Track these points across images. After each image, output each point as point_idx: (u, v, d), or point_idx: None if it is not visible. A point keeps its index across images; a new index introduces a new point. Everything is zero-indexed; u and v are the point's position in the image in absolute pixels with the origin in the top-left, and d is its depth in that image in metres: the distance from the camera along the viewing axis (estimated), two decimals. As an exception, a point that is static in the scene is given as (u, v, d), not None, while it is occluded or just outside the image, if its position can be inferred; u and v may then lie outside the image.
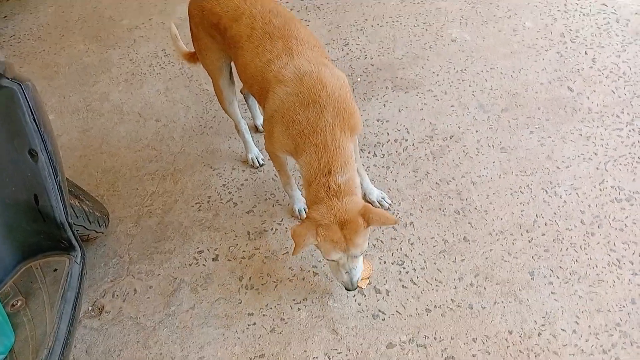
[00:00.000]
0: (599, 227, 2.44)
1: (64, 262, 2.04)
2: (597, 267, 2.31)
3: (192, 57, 2.77)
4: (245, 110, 3.12)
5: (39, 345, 1.77)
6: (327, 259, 2.04)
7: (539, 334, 2.14)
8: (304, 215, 2.62)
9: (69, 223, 2.03)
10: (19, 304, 1.89)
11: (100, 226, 2.51)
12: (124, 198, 2.90)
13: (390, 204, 2.61)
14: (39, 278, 1.98)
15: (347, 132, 2.00)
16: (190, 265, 2.54)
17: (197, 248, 2.61)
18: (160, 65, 3.77)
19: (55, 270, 2.01)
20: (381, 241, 2.51)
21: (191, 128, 3.26)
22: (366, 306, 2.30)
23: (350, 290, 2.13)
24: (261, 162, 2.93)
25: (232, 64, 2.51)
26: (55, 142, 2.05)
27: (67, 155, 3.16)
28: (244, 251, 2.56)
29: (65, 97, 3.60)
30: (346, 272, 2.06)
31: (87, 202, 2.45)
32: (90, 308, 2.42)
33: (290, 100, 1.99)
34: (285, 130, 2.02)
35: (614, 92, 3.01)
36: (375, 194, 2.61)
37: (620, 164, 2.66)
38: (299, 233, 1.91)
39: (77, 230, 2.12)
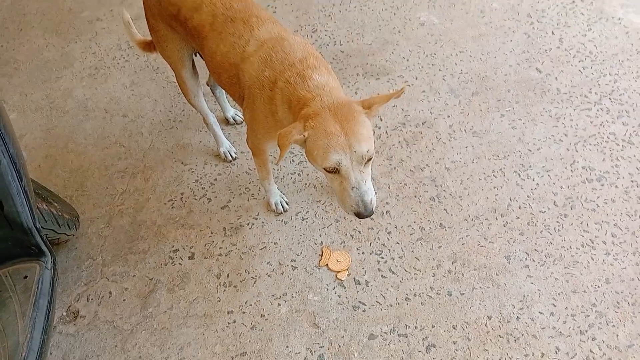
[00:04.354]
0: (571, 208, 2.48)
1: (34, 268, 1.98)
2: (571, 248, 2.35)
3: (148, 46, 2.66)
4: (214, 102, 3.06)
5: (11, 357, 1.71)
6: (325, 168, 1.65)
7: (518, 318, 2.17)
8: (281, 209, 2.59)
9: (36, 228, 1.95)
10: (-12, 315, 1.82)
11: (70, 229, 2.44)
12: (94, 198, 2.82)
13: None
14: (9, 286, 1.92)
15: (323, 67, 1.85)
16: (165, 264, 2.50)
17: (172, 247, 2.56)
18: (124, 58, 3.67)
19: (26, 277, 1.94)
20: (359, 231, 2.50)
21: (160, 122, 3.18)
22: (346, 298, 2.30)
23: (363, 217, 1.70)
24: (234, 155, 2.88)
25: (194, 55, 2.45)
26: (18, 144, 1.97)
27: (32, 155, 3.06)
28: (220, 248, 2.53)
29: (27, 95, 3.48)
30: (353, 188, 1.65)
31: (56, 205, 2.37)
32: (64, 313, 2.37)
33: (255, 67, 1.91)
34: (260, 98, 1.92)
35: (581, 72, 3.04)
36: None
37: (590, 144, 2.70)
38: (284, 133, 1.62)
39: (46, 235, 2.06)
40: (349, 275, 2.37)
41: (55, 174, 2.97)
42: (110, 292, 2.43)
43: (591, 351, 2.06)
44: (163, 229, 2.64)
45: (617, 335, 2.09)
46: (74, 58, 3.72)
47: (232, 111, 3.05)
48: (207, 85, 2.94)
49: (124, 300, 2.39)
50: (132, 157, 3.01)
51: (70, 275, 2.50)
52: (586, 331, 2.11)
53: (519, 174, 2.62)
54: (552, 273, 2.28)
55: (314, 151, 1.62)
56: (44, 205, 2.24)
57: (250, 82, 1.96)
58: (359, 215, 1.68)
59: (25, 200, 1.92)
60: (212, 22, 2.06)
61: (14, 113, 3.35)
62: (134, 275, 2.48)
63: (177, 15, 2.16)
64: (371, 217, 1.78)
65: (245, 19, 2.02)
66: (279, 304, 2.31)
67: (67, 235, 2.46)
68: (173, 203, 2.75)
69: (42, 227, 2.03)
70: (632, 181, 2.52)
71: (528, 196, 2.54)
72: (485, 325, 2.17)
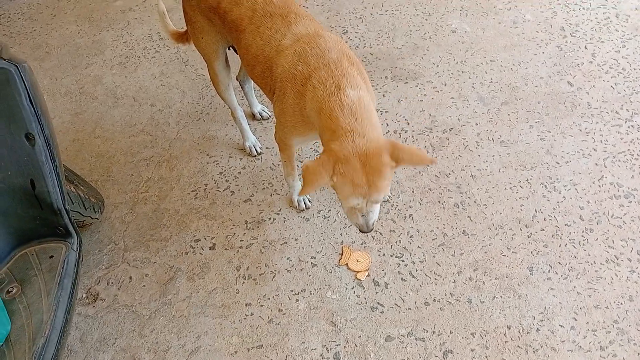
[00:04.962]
0: (597, 223, 2.45)
1: (60, 249, 2.00)
2: (595, 263, 2.32)
3: (180, 37, 2.69)
4: (242, 97, 3.08)
5: (35, 334, 1.73)
6: (344, 204, 1.83)
7: (537, 330, 2.14)
8: (303, 206, 2.60)
9: (65, 209, 1.98)
10: (14, 290, 1.84)
11: (95, 212, 2.46)
12: (119, 184, 2.85)
13: (389, 196, 2.60)
14: (35, 265, 1.94)
15: (356, 72, 1.84)
16: (186, 253, 2.51)
17: (194, 236, 2.57)
18: (154, 48, 3.70)
19: (52, 257, 1.97)
20: (380, 233, 2.49)
21: (187, 114, 3.20)
22: (365, 298, 2.29)
23: (364, 232, 1.93)
24: (259, 150, 2.89)
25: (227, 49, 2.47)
26: (52, 126, 2.00)
27: (60, 139, 3.10)
28: (241, 240, 2.53)
29: (57, 79, 3.52)
30: (362, 215, 1.85)
31: (82, 188, 2.40)
32: (84, 295, 2.39)
33: (289, 59, 1.92)
34: (291, 92, 1.90)
35: (613, 88, 3.01)
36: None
37: (619, 160, 2.67)
38: (312, 170, 1.66)
39: (72, 217, 2.08)
40: (368, 276, 2.36)
41: (82, 158, 3.00)
42: (130, 277, 2.44)
43: (611, 368, 2.03)
44: (185, 218, 2.66)
45: (638, 353, 2.06)
46: (105, 46, 3.77)
47: (260, 107, 3.06)
48: (237, 79, 2.96)
49: (144, 286, 2.41)
50: (158, 146, 3.03)
51: (92, 258, 2.52)
52: (607, 347, 2.08)
53: (545, 186, 2.60)
54: (574, 287, 2.25)
55: (338, 192, 1.76)
56: (72, 188, 2.27)
57: (283, 75, 1.96)
58: (361, 231, 1.91)
59: (56, 181, 1.94)
60: (252, 16, 2.07)
61: (44, 96, 3.38)
62: (154, 262, 2.49)
63: (217, 8, 2.18)
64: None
65: (284, 15, 2.03)
66: (297, 300, 2.31)
67: (92, 218, 2.48)
68: (196, 193, 2.76)
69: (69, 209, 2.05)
70: (660, 200, 2.49)
71: (554, 209, 2.51)
72: (505, 334, 2.14)
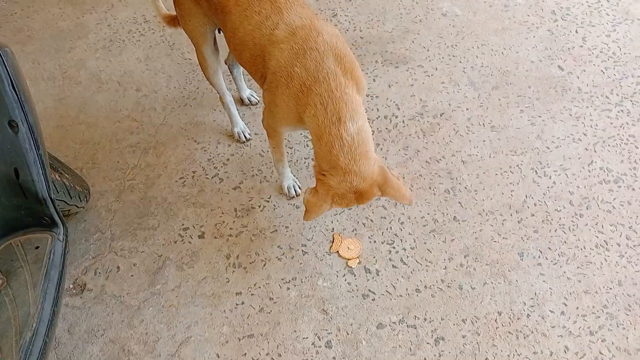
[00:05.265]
0: (587, 208, 2.45)
1: (46, 239, 1.95)
2: (585, 248, 2.32)
3: (172, 20, 2.63)
4: (230, 82, 3.02)
5: (22, 327, 1.70)
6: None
7: (528, 316, 2.15)
8: (293, 193, 2.57)
9: (51, 199, 1.93)
10: (-1, 282, 1.80)
11: (81, 201, 2.41)
12: (104, 171, 2.79)
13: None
14: (20, 256, 1.89)
15: (352, 84, 1.88)
16: (175, 242, 2.48)
17: (182, 225, 2.54)
18: (139, 32, 3.62)
19: (37, 247, 1.92)
20: (371, 220, 2.48)
21: (173, 99, 3.14)
22: (356, 286, 2.28)
23: None
24: (247, 136, 2.84)
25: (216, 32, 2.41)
26: (36, 113, 1.94)
27: (43, 125, 2.93)
28: (230, 228, 2.50)
29: (40, 64, 3.43)
30: None
31: (67, 176, 2.34)
32: (71, 286, 2.35)
33: (286, 56, 1.88)
34: (286, 91, 1.91)
35: (603, 72, 3.00)
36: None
37: (609, 145, 2.67)
38: (313, 204, 1.90)
39: (57, 206, 2.03)
40: (359, 263, 2.35)
41: (66, 144, 2.94)
42: (118, 267, 2.41)
43: (600, 352, 2.04)
44: (173, 206, 2.62)
45: (627, 338, 2.08)
46: (88, 29, 3.67)
47: (248, 92, 3.01)
48: (226, 63, 2.90)
49: (132, 275, 2.37)
50: (144, 132, 2.97)
51: (78, 248, 2.48)
52: (596, 332, 2.09)
53: (535, 171, 2.59)
54: (564, 272, 2.26)
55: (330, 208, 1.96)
56: (56, 176, 2.21)
57: (277, 69, 1.92)
58: None
59: (41, 169, 1.89)
60: None
61: (26, 81, 3.30)
62: (142, 251, 2.45)
63: None
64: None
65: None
66: (288, 288, 2.29)
67: (78, 207, 2.44)
68: (184, 181, 2.72)
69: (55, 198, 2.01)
70: (650, 185, 2.50)
71: (544, 194, 2.51)
72: (495, 320, 2.15)
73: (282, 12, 1.95)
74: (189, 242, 2.47)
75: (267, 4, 1.98)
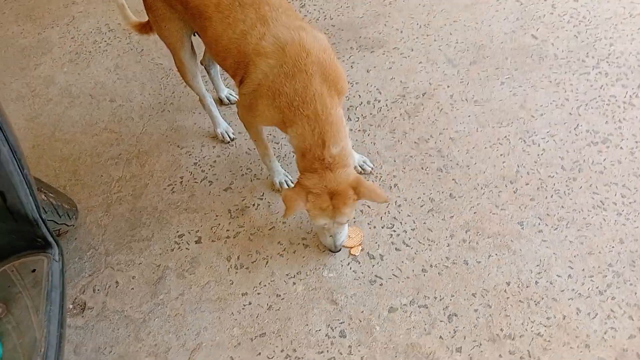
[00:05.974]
0: (579, 171, 2.47)
1: (41, 261, 1.88)
2: (582, 211, 2.34)
3: (143, 28, 2.56)
4: (207, 82, 2.96)
5: (30, 353, 1.64)
6: (314, 223, 2.12)
7: (536, 282, 2.16)
8: (286, 187, 2.53)
9: (42, 219, 1.86)
10: (-1, 311, 1.73)
11: (70, 219, 2.34)
12: (89, 187, 2.71)
13: (372, 167, 2.56)
14: (17, 282, 1.82)
15: (335, 97, 1.94)
16: (172, 250, 2.42)
17: (177, 232, 2.48)
18: (105, 41, 3.53)
19: (34, 270, 1.85)
20: (368, 206, 2.46)
21: (150, 106, 3.07)
22: (362, 273, 2.26)
23: (333, 252, 2.27)
24: (232, 136, 2.79)
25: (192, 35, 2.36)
26: (16, 133, 1.86)
27: None
28: (227, 230, 2.46)
29: (6, 84, 3.32)
30: (330, 236, 2.16)
31: (52, 195, 2.26)
32: (71, 306, 2.27)
33: (275, 73, 1.89)
34: (271, 103, 1.94)
35: (576, 37, 3.03)
36: (356, 158, 2.55)
37: (591, 107, 2.70)
38: (289, 197, 1.97)
39: (49, 226, 1.96)
40: (362, 250, 2.33)
41: (45, 163, 2.85)
42: (117, 282, 2.34)
43: (612, 310, 2.06)
44: (165, 214, 2.56)
45: (635, 293, 2.10)
46: (52, 44, 3.56)
47: (226, 91, 2.96)
48: (202, 64, 2.84)
49: (132, 288, 2.31)
50: (125, 143, 2.90)
51: (72, 267, 2.40)
52: (605, 291, 2.12)
53: (524, 141, 2.61)
54: (566, 236, 2.28)
55: (309, 213, 2.04)
56: (42, 196, 2.14)
57: (263, 81, 1.93)
58: (330, 250, 2.26)
59: (28, 190, 1.81)
60: (218, 3, 1.97)
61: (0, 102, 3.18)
62: (140, 263, 2.39)
63: None
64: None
65: (257, 7, 1.95)
66: (294, 283, 2.26)
67: (68, 225, 2.36)
68: (173, 187, 2.66)
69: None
70: (636, 142, 2.53)
71: (535, 162, 2.53)
72: (505, 291, 2.15)
73: (268, 23, 1.92)
74: (187, 248, 2.42)
75: (251, 11, 1.94)
